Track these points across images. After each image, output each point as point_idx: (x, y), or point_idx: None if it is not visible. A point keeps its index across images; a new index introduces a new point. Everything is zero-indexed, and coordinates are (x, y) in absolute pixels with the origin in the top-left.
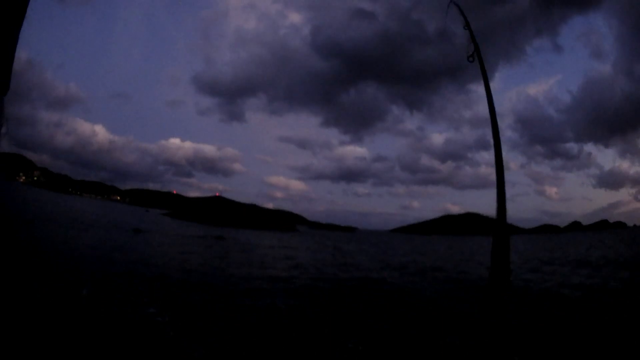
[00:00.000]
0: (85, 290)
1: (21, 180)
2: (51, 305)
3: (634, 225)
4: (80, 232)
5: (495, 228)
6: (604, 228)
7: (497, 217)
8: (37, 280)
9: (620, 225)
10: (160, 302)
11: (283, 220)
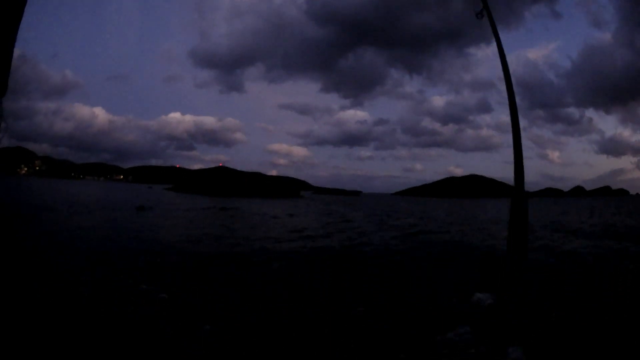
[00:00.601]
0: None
1: (23, 172)
2: (55, 295)
3: (637, 194)
4: (82, 216)
5: (513, 195)
6: (607, 194)
7: (515, 183)
8: (38, 274)
9: (622, 192)
10: (158, 279)
11: (287, 187)
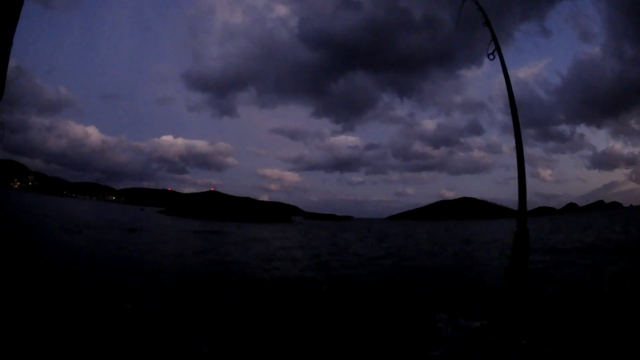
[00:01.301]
0: (86, 291)
1: (15, 186)
2: (48, 306)
3: (630, 206)
4: (74, 235)
5: (518, 220)
6: (600, 209)
7: (518, 209)
8: (33, 283)
9: (616, 205)
10: (143, 297)
11: (278, 212)
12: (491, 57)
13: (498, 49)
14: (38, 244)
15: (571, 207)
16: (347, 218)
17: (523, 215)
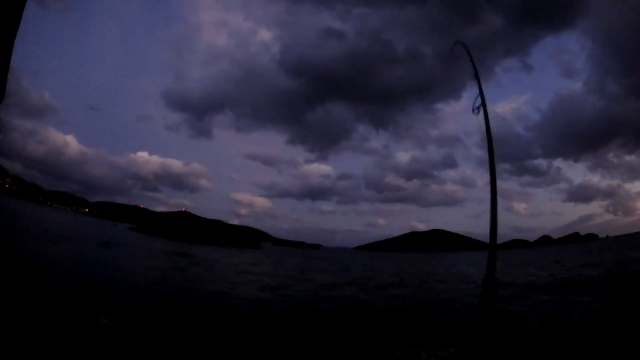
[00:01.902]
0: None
1: None
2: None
3: (607, 237)
4: (48, 244)
5: (489, 254)
6: (575, 240)
7: (490, 243)
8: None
9: (591, 237)
10: (115, 312)
11: (247, 237)
12: (476, 111)
13: (484, 104)
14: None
15: (545, 240)
16: (316, 246)
17: (492, 263)
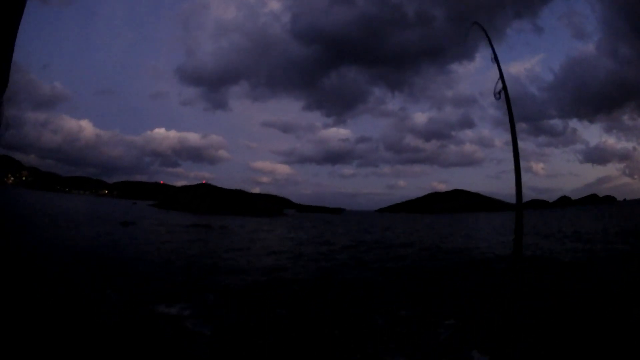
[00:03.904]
0: (109, 292)
1: (9, 181)
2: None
3: (624, 200)
4: (69, 230)
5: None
6: (593, 202)
7: (516, 202)
8: (34, 280)
9: (609, 199)
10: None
11: (270, 205)
12: (497, 96)
13: (505, 89)
14: (27, 241)
15: (564, 201)
16: (339, 210)
17: (520, 209)
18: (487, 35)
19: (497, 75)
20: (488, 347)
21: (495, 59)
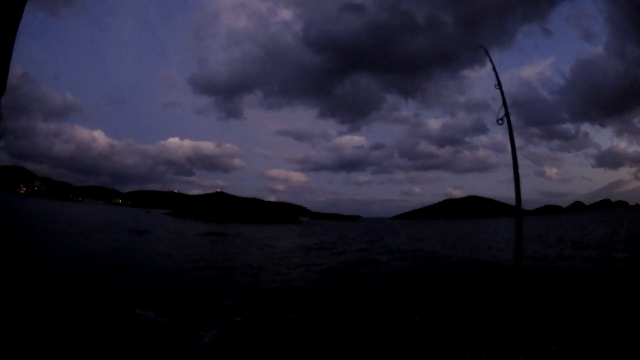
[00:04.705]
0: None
1: (22, 191)
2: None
3: (637, 204)
4: (83, 238)
5: (516, 218)
6: (606, 207)
7: (516, 207)
8: (41, 285)
9: (622, 204)
10: (155, 303)
11: (285, 213)
12: (500, 122)
13: (507, 115)
14: (38, 248)
15: (577, 206)
16: (355, 218)
17: (519, 222)
18: (491, 61)
19: (501, 104)
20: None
21: (499, 85)
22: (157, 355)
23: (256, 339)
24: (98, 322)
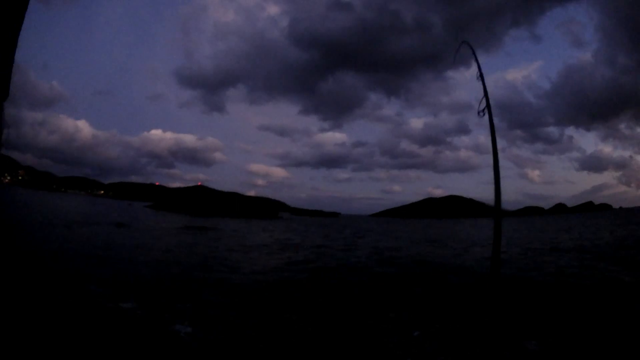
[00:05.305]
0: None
1: (6, 180)
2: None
3: (620, 208)
4: (64, 229)
5: (495, 220)
6: (589, 210)
7: (495, 210)
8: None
9: (605, 207)
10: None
11: (265, 208)
12: (481, 114)
13: (488, 106)
14: (20, 238)
15: (559, 208)
16: (335, 214)
17: (498, 227)
18: (474, 54)
19: (483, 96)
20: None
21: (481, 77)
22: (132, 349)
23: (234, 333)
24: (72, 314)
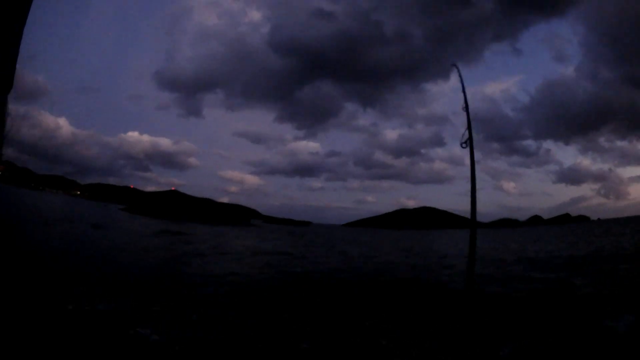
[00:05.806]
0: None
1: None
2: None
3: (598, 219)
4: (39, 228)
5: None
6: (566, 222)
7: (471, 222)
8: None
9: (582, 218)
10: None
11: (238, 215)
12: (464, 145)
13: (470, 139)
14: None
15: (536, 220)
16: (306, 223)
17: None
18: (461, 82)
19: (466, 128)
20: None
21: (466, 108)
22: (91, 350)
23: (206, 336)
24: (44, 314)
